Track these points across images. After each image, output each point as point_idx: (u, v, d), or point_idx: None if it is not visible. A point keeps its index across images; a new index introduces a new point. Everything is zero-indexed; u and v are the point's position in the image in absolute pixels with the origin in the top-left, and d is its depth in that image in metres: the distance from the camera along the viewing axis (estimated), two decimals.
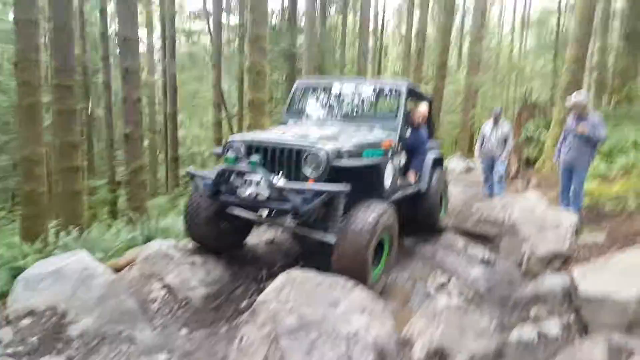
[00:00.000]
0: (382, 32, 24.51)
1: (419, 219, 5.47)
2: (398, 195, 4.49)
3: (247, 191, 3.43)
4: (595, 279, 3.29)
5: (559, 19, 18.40)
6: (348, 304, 2.78)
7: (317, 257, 4.10)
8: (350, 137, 3.94)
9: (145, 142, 20.60)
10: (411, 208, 5.32)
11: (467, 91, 18.67)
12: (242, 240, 4.66)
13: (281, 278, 2.92)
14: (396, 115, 4.65)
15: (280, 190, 3.30)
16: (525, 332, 3.10)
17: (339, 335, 2.47)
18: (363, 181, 3.80)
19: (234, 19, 21.09)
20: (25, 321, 3.17)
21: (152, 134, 21.88)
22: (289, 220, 3.67)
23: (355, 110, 4.92)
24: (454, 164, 13.31)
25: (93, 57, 18.59)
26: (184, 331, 3.26)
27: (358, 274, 3.27)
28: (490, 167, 7.96)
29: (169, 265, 3.75)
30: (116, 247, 5.64)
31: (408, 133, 5.05)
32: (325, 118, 4.92)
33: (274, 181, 3.32)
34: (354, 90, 5.01)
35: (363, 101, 4.96)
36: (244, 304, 3.67)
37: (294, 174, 3.50)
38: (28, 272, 3.33)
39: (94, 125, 19.88)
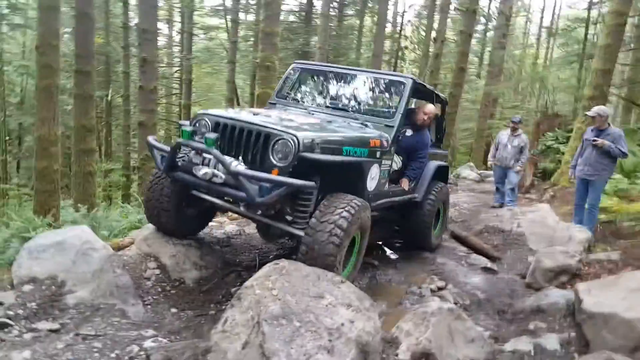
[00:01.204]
0: (400, 34, 24.53)
1: (408, 233, 5.09)
2: (384, 201, 4.13)
3: (202, 171, 3.13)
4: (602, 295, 3.14)
5: (587, 28, 18.13)
6: (333, 298, 2.80)
7: None
8: (332, 130, 3.62)
9: (161, 132, 21.00)
10: (402, 219, 4.98)
11: (485, 99, 18.51)
12: (204, 227, 4.39)
13: (269, 266, 2.98)
14: (395, 112, 4.20)
15: (236, 175, 2.93)
16: (521, 343, 3.11)
17: (322, 327, 2.52)
18: (341, 180, 3.52)
19: (251, 17, 21.39)
20: (27, 287, 3.37)
21: (167, 123, 22.29)
22: (243, 209, 3.44)
23: (351, 101, 4.52)
24: (467, 172, 13.23)
25: (114, 47, 19.04)
26: (173, 310, 3.42)
27: (328, 265, 3.10)
28: (502, 176, 7.83)
29: (165, 247, 3.91)
30: (121, 227, 5.86)
31: (409, 133, 4.72)
32: (316, 106, 4.51)
33: (232, 165, 3.00)
34: (353, 79, 4.63)
35: (361, 93, 4.56)
36: (234, 289, 3.78)
37: (259, 160, 3.18)
38: (33, 241, 3.52)
39: (113, 112, 20.36)
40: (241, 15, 20.34)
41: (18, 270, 3.47)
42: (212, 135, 3.04)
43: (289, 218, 3.39)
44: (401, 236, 5.37)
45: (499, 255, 5.38)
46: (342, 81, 4.69)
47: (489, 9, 25.67)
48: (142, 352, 2.65)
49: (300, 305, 2.68)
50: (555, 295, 3.66)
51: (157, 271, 3.77)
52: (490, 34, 25.46)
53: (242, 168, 3.03)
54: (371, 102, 4.57)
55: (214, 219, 4.84)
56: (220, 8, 19.68)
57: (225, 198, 3.50)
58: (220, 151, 3.12)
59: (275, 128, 3.15)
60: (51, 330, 2.88)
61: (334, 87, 4.74)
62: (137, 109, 11.51)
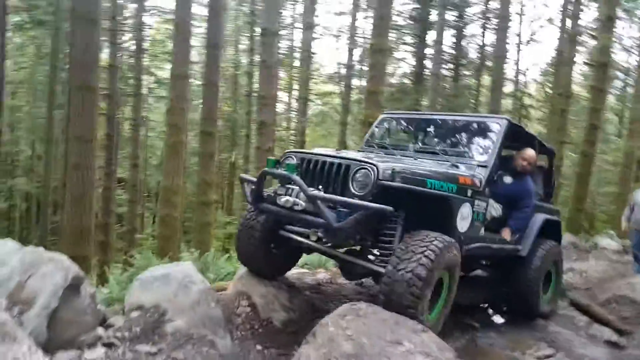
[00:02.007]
0: (522, 92, 23.57)
1: (512, 294, 4.61)
2: (478, 245, 3.86)
3: (284, 198, 3.26)
4: None
5: None
6: (412, 345, 2.71)
7: None
8: (417, 165, 3.52)
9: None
10: (504, 277, 4.61)
11: (627, 160, 16.60)
12: (290, 267, 4.45)
13: (345, 306, 3.01)
14: (487, 152, 4.03)
15: (313, 199, 2.98)
16: None
17: None
18: (429, 218, 3.36)
19: (364, 82, 22.48)
20: (134, 313, 3.77)
21: None
22: (326, 247, 3.51)
23: (440, 146, 4.38)
24: (606, 241, 11.68)
25: (240, 113, 21.39)
26: (258, 347, 3.53)
27: (408, 315, 2.94)
28: None
29: (257, 286, 4.10)
30: (227, 271, 6.28)
31: (508, 181, 4.41)
32: (404, 152, 4.39)
33: (309, 190, 3.06)
34: (445, 125, 4.54)
35: (452, 137, 4.44)
36: None
37: (340, 191, 3.20)
38: (144, 274, 3.96)
39: (236, 172, 22.47)
40: (355, 82, 21.55)
41: (129, 299, 3.92)
42: (293, 162, 3.25)
43: (372, 258, 3.38)
44: (506, 299, 4.89)
45: (629, 328, 4.61)
46: (433, 127, 4.63)
47: (628, 62, 23.63)
48: None
49: (374, 348, 2.62)
50: None
51: (248, 309, 3.94)
52: (630, 89, 23.20)
53: (316, 192, 3.10)
54: (463, 145, 4.38)
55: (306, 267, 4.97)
56: (335, 75, 21.12)
57: (311, 238, 3.57)
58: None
59: (356, 159, 3.24)
60: (149, 353, 3.16)
61: (423, 134, 4.70)
62: (254, 167, 12.58)
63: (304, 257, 5.42)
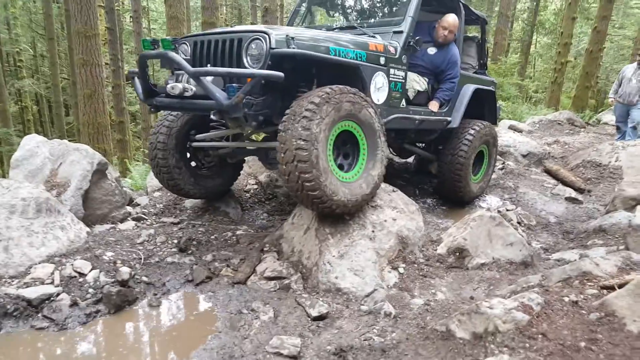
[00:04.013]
0: None
1: (437, 170, 4.39)
2: (397, 116, 3.53)
3: (172, 84, 2.82)
4: None
5: None
6: (382, 201, 3.13)
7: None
8: (319, 35, 3.06)
9: None
10: (433, 150, 4.49)
11: None
12: (228, 184, 4.00)
13: None
14: (404, 16, 3.65)
15: (195, 76, 2.63)
16: (567, 254, 3.22)
17: (367, 221, 2.93)
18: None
19: None
20: (157, 194, 4.31)
21: None
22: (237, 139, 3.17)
23: (360, 19, 4.07)
24: (609, 117, 11.45)
25: None
26: (264, 215, 4.07)
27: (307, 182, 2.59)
28: (624, 115, 7.18)
29: (263, 169, 4.55)
30: None
31: (432, 52, 4.08)
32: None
33: (190, 68, 2.66)
34: None
35: (371, 8, 4.11)
36: None
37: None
38: None
39: None
40: None
41: (150, 182, 4.43)
42: (168, 38, 2.79)
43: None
44: (436, 184, 4.69)
45: (590, 188, 5.10)
46: (352, 1, 4.28)
47: None
48: (233, 237, 3.33)
49: None
50: (620, 217, 3.56)
51: (255, 186, 4.44)
52: None
53: (202, 68, 2.71)
54: (381, 17, 4.06)
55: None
56: None
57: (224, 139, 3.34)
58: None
59: (247, 30, 2.82)
60: (172, 223, 3.71)
61: (343, 10, 4.36)
62: None
63: None
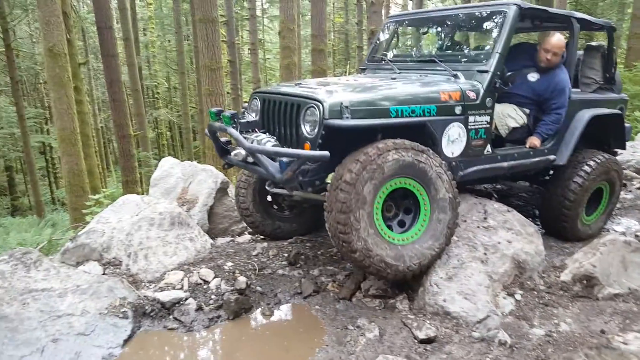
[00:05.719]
0: None
1: (542, 209, 3.79)
2: (479, 168, 3.13)
3: (236, 151, 2.94)
4: None
5: None
6: (495, 222, 2.97)
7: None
8: (383, 89, 2.88)
9: None
10: (541, 188, 3.91)
11: None
12: (304, 229, 3.88)
13: None
14: (491, 52, 3.15)
15: (251, 152, 2.70)
16: None
17: (479, 243, 2.80)
18: None
19: None
20: None
21: None
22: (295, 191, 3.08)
23: (443, 50, 3.67)
24: None
25: (352, 23, 20.97)
26: None
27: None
28: None
29: None
30: None
31: (533, 78, 3.53)
32: (404, 63, 3.70)
33: (262, 142, 2.74)
34: (452, 21, 3.67)
35: (456, 37, 3.71)
36: None
37: (296, 134, 2.79)
38: None
39: None
40: None
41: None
42: (228, 113, 2.85)
43: None
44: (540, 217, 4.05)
45: None
46: (439, 27, 3.87)
47: None
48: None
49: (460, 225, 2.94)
50: None
51: None
52: None
53: (268, 145, 2.73)
54: (465, 47, 3.68)
55: None
56: None
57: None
58: (264, 128, 3.00)
59: (302, 95, 2.75)
60: None
61: (428, 37, 3.99)
62: None
63: None
